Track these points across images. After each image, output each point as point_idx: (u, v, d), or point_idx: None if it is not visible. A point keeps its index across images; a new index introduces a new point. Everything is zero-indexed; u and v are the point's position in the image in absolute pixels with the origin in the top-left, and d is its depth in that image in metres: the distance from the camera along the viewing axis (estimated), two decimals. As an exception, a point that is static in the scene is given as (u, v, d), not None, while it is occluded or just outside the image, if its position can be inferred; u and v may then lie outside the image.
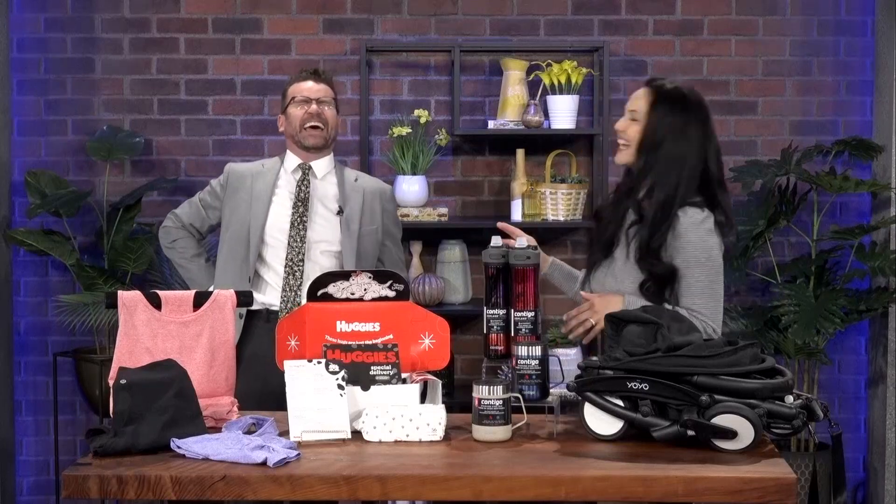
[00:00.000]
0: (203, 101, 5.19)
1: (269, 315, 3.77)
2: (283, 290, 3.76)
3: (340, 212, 3.85)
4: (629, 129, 3.18)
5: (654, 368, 2.67)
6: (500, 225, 3.34)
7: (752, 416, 2.58)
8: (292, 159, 3.93)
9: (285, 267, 3.76)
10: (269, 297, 3.79)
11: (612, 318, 2.87)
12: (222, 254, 3.88)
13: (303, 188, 3.86)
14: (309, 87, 3.92)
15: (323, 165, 3.93)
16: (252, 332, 3.75)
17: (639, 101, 3.18)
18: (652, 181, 3.12)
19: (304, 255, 3.77)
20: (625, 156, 3.20)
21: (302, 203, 3.83)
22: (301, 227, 3.80)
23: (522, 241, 3.00)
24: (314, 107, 3.88)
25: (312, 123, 3.87)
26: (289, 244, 3.78)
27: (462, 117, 5.09)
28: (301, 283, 3.74)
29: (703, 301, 3.07)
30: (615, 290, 3.15)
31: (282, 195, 3.88)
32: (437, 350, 3.05)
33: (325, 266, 3.75)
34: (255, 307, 3.63)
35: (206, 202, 4.01)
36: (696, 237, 3.07)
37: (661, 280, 3.08)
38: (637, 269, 3.12)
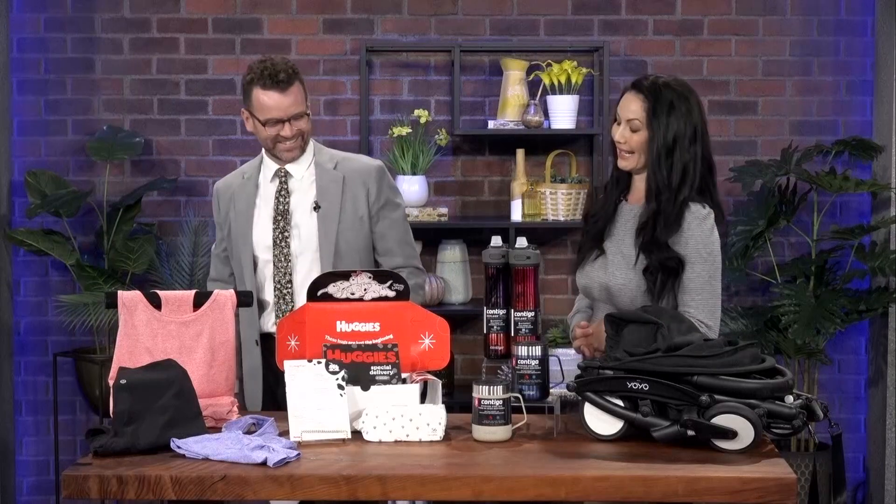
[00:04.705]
0: (203, 101, 5.19)
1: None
2: (276, 315, 3.48)
3: (317, 207, 3.49)
4: (631, 139, 3.11)
5: (654, 368, 2.67)
6: None
7: (752, 416, 2.58)
8: (269, 165, 3.56)
9: (275, 291, 3.49)
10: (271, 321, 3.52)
11: (612, 318, 2.88)
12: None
13: (281, 200, 3.51)
14: (277, 105, 3.43)
15: (301, 166, 3.55)
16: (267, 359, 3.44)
17: (634, 107, 3.11)
18: (666, 180, 3.08)
19: (290, 274, 3.47)
20: (631, 162, 3.14)
21: (282, 216, 3.49)
22: (283, 244, 3.48)
23: (522, 240, 3.00)
24: (287, 129, 3.46)
25: (287, 145, 3.49)
26: (274, 265, 3.49)
27: (462, 117, 5.09)
28: (293, 305, 3.45)
29: (703, 298, 3.04)
30: (605, 283, 3.13)
31: (263, 209, 3.53)
32: (437, 350, 3.04)
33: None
34: (266, 330, 3.50)
35: (219, 245, 3.66)
36: (700, 233, 3.05)
37: (668, 270, 3.05)
38: (629, 265, 3.09)
